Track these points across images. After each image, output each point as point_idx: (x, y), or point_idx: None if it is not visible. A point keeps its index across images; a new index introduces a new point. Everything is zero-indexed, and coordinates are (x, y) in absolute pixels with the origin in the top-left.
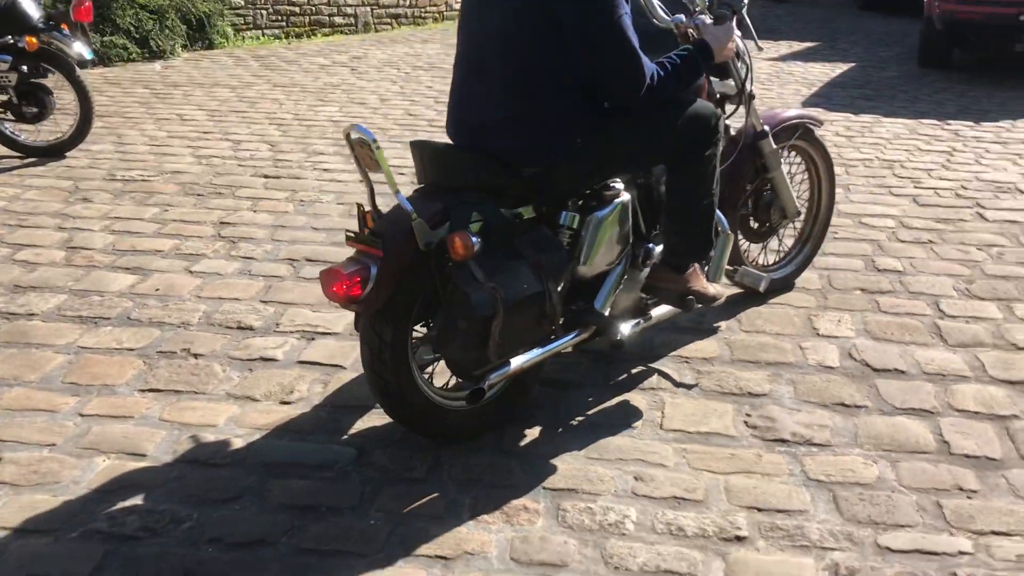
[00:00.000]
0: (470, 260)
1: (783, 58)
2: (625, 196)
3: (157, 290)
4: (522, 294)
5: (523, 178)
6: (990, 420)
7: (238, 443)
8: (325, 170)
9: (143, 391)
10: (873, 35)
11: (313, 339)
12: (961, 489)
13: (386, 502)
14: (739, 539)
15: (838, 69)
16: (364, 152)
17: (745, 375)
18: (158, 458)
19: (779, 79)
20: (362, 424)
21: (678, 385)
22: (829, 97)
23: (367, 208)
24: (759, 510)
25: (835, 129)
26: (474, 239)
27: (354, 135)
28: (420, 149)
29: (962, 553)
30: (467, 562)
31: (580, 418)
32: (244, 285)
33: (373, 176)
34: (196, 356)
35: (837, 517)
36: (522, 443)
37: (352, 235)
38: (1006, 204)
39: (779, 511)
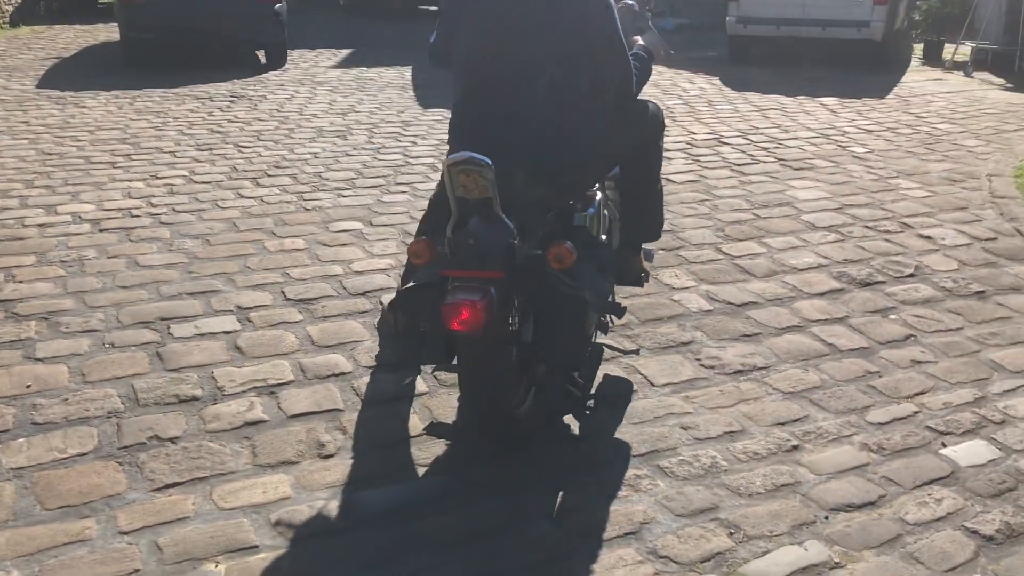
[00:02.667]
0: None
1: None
2: (599, 194)
3: (29, 387)
4: (605, 292)
5: (559, 187)
6: (836, 323)
7: (333, 506)
8: (64, 232)
9: (160, 490)
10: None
11: (274, 393)
12: (871, 372)
13: (528, 509)
14: (795, 448)
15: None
16: (471, 179)
17: (663, 330)
18: (273, 545)
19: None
20: (419, 454)
21: (627, 352)
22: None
23: (443, 235)
24: (781, 424)
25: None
26: (569, 245)
27: (457, 162)
28: None
29: (915, 413)
30: (649, 529)
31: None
32: (125, 360)
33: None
34: (172, 441)
35: (828, 414)
36: (573, 430)
37: (452, 264)
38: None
39: (793, 421)
